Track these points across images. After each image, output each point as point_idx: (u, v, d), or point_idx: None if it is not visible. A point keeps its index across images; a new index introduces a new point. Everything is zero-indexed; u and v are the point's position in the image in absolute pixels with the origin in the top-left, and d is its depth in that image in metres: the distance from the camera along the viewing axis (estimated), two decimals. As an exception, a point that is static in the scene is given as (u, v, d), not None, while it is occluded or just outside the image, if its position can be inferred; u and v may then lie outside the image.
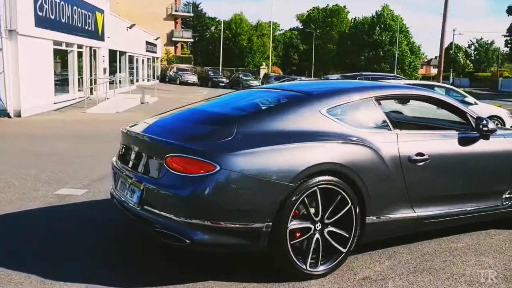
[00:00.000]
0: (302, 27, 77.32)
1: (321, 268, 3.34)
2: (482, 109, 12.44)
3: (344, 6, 74.48)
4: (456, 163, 3.98)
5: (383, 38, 61.00)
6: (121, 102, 19.17)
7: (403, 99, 4.11)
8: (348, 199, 3.36)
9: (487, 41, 79.19)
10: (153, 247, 3.84)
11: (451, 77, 55.15)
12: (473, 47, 79.60)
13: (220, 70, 50.82)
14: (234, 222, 3.05)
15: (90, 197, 5.33)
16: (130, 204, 3.44)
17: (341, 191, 3.32)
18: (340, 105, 3.63)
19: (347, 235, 3.42)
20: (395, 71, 54.47)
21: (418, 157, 3.71)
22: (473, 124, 4.14)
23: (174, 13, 55.15)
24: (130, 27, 29.75)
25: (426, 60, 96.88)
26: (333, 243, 3.37)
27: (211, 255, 3.58)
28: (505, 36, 55.36)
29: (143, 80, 36.07)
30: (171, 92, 30.24)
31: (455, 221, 4.10)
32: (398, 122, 4.56)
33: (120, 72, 28.31)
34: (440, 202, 3.93)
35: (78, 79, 19.49)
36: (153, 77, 40.86)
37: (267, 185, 3.09)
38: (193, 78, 45.74)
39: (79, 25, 19.39)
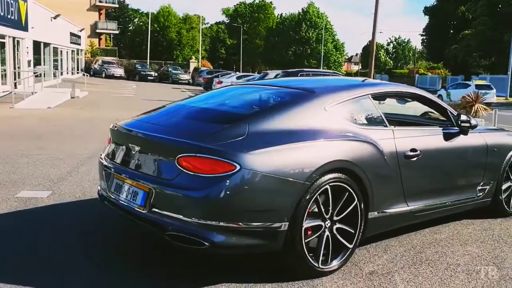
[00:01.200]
0: (228, 21, 77.28)
1: (332, 265, 3.35)
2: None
3: (271, 2, 75.41)
4: (442, 158, 4.16)
5: (310, 35, 62.54)
6: (50, 96, 18.11)
7: (395, 97, 4.23)
8: (354, 195, 3.40)
9: (404, 39, 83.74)
10: (155, 252, 3.66)
11: (372, 73, 57.49)
12: (391, 45, 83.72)
13: (148, 63, 49.55)
14: (253, 222, 2.98)
15: (57, 199, 4.97)
16: (132, 207, 3.25)
17: (349, 188, 3.36)
18: (341, 102, 3.65)
19: (353, 231, 3.46)
20: (321, 67, 56.08)
21: (412, 153, 3.83)
22: (453, 121, 4.35)
23: (98, 3, 52.95)
24: (55, 17, 28.19)
25: (347, 57, 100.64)
26: (341, 239, 3.39)
27: (215, 256, 3.48)
28: (421, 35, 58.78)
29: (67, 73, 34.31)
30: (99, 85, 29.04)
31: (439, 213, 4.29)
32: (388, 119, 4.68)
33: (44, 64, 26.73)
34: (428, 195, 4.09)
35: (1, 72, 18.16)
36: (77, 70, 39.00)
37: (284, 184, 3.04)
38: (119, 72, 44.21)
39: (1, 14, 18.06)
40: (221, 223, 2.92)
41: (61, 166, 6.58)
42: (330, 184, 3.24)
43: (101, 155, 3.91)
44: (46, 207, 4.71)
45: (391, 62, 79.30)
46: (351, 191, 3.37)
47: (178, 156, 3.02)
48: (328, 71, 18.03)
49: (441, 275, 3.45)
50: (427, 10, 56.25)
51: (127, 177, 3.36)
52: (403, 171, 3.76)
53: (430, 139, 4.10)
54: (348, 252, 3.45)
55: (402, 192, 3.81)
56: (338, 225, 3.38)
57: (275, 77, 17.81)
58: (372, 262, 3.64)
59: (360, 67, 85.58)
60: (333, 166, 3.26)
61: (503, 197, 4.88)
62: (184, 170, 2.99)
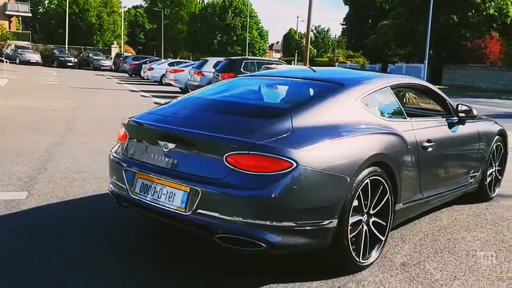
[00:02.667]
0: (147, 5, 74.91)
1: (370, 258, 3.34)
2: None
3: (193, -13, 74.09)
4: (449, 147, 4.30)
5: (236, 22, 62.37)
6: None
7: (407, 88, 4.27)
8: (387, 188, 3.41)
9: (324, 28, 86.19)
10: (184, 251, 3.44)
11: (295, 61, 58.75)
12: (312, 34, 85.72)
13: (67, 48, 46.80)
14: (308, 220, 2.88)
15: (40, 200, 4.52)
16: (169, 209, 3.02)
17: (383, 181, 3.36)
18: (368, 94, 3.63)
19: (384, 224, 3.48)
20: (246, 54, 56.21)
21: (428, 144, 3.92)
22: (452, 111, 4.52)
23: (7, -18, 48.94)
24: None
25: (268, 45, 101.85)
26: (376, 232, 3.40)
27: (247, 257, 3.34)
28: (342, 24, 60.79)
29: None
30: (15, 72, 26.99)
31: (442, 200, 4.44)
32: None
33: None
34: (437, 184, 4.22)
35: None
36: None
37: (335, 180, 2.98)
38: (35, 57, 41.54)
39: None
40: (278, 223, 2.79)
41: (24, 162, 6.01)
42: (370, 178, 3.23)
43: (112, 152, 3.61)
44: (33, 210, 4.27)
45: (314, 50, 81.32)
46: (385, 184, 3.38)
47: (228, 154, 2.84)
48: (273, 59, 18.06)
49: (466, 262, 3.57)
50: (347, 0, 58.20)
51: (158, 177, 3.11)
52: (421, 162, 3.83)
53: (439, 129, 4.21)
54: (382, 245, 3.47)
55: (419, 182, 3.88)
56: (373, 219, 3.37)
57: (216, 64, 17.52)
58: (398, 253, 3.68)
59: (282, 55, 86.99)
60: (373, 159, 3.24)
61: (487, 182, 5.17)
62: (236, 169, 2.81)
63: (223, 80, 4.34)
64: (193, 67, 18.90)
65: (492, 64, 38.96)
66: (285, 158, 2.78)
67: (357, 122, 3.38)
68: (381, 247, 3.46)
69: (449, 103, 4.56)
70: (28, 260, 3.24)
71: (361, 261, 3.27)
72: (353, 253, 3.19)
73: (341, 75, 4.22)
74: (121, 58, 39.68)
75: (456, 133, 4.42)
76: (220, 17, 63.85)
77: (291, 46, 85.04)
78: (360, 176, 3.13)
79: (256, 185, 2.77)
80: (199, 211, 2.89)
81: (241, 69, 15.56)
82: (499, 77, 35.89)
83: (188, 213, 2.93)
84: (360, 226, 3.26)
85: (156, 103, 15.84)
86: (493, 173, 5.29)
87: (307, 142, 2.94)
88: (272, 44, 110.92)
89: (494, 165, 5.28)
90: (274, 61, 17.34)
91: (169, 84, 21.63)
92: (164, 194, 3.08)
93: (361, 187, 3.15)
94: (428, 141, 3.92)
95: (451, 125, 4.39)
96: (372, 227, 3.36)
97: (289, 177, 2.77)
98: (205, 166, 2.95)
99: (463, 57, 40.36)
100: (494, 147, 5.15)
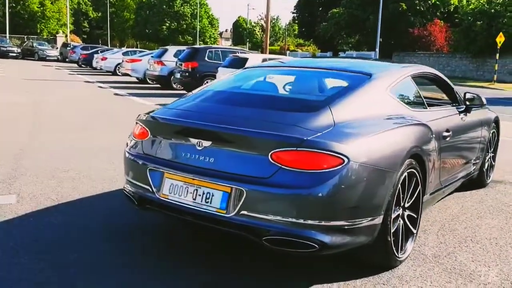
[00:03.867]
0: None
1: (406, 253, 3.28)
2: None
3: (139, -26, 71.87)
4: (460, 135, 4.30)
5: (185, 10, 61.17)
6: None
7: (422, 78, 4.20)
8: (419, 180, 3.35)
9: (274, 16, 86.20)
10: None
11: (267, 50, 58.25)
12: (262, 22, 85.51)
13: (8, 38, 44.30)
14: (360, 218, 2.76)
15: (35, 204, 4.16)
16: (206, 211, 2.81)
17: (416, 173, 3.29)
18: (395, 84, 3.54)
19: (416, 216, 3.42)
20: (197, 43, 55.40)
21: (446, 133, 3.89)
22: (459, 100, 4.52)
23: None
24: None
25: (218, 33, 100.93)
26: (410, 226, 3.34)
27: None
28: (293, 12, 61.00)
29: None
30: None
31: (452, 188, 4.45)
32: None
33: None
34: (451, 173, 4.21)
35: None
36: None
37: (382, 175, 2.87)
38: (-27, 47, 39.06)
39: None
40: (330, 223, 2.66)
41: (0, 162, 5.55)
42: (407, 171, 3.15)
43: (129, 150, 3.33)
44: (32, 216, 3.91)
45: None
46: (417, 176, 3.32)
47: (273, 151, 2.66)
48: (237, 48, 17.78)
49: (493, 251, 3.57)
50: (298, -12, 58.37)
51: (192, 177, 2.89)
52: (441, 152, 3.81)
53: (453, 118, 4.20)
54: (414, 238, 3.41)
55: (439, 173, 3.86)
56: (407, 212, 3.30)
57: (177, 53, 17.08)
58: (424, 244, 3.64)
59: (232, 43, 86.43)
60: (411, 152, 3.16)
61: (485, 168, 5.26)
62: (283, 167, 2.64)
63: (237, 71, 4.11)
64: (152, 57, 18.31)
65: (438, 51, 40.34)
66: (337, 154, 2.64)
67: (390, 114, 3.28)
68: (414, 240, 3.40)
69: (456, 91, 4.56)
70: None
71: (399, 255, 3.19)
72: (394, 248, 3.11)
73: (362, 64, 4.10)
74: (69, 48, 38.01)
75: (465, 121, 4.43)
76: (169, 4, 62.40)
77: (241, 34, 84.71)
78: (401, 170, 3.04)
79: (307, 184, 2.61)
80: (244, 212, 2.70)
81: (206, 58, 15.22)
82: (446, 64, 37.23)
83: (230, 215, 2.74)
84: (398, 221, 3.18)
85: (116, 94, 15.27)
86: (489, 159, 5.39)
87: (354, 136, 2.82)
88: (221, 32, 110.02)
89: (490, 151, 5.38)
90: (238, 49, 17.09)
91: (126, 75, 20.90)
92: (199, 195, 2.86)
93: (401, 181, 3.07)
94: (447, 130, 3.90)
95: (460, 114, 4.40)
96: (406, 221, 3.30)
97: (341, 174, 2.63)
98: (248, 165, 2.76)
99: (411, 44, 41.58)
100: (491, 134, 5.24)
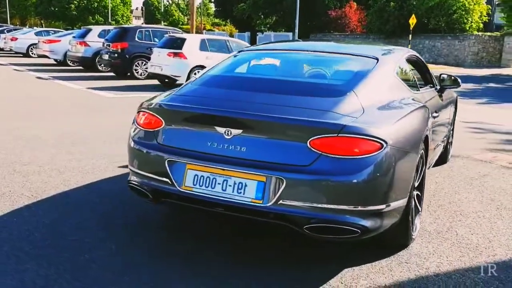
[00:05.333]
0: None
1: (416, 231, 3.40)
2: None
3: None
4: (440, 115, 4.49)
5: (96, -14, 57.87)
6: None
7: (409, 61, 4.27)
8: (424, 161, 3.47)
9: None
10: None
11: (194, 30, 56.47)
12: (177, 1, 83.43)
13: None
14: (394, 201, 2.79)
15: (11, 202, 3.77)
16: (239, 201, 2.70)
17: (424, 154, 3.40)
18: (399, 67, 3.60)
19: (421, 194, 3.55)
20: (109, 22, 52.84)
21: (435, 114, 4.05)
22: (435, 82, 4.72)
23: None
24: None
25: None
26: (418, 204, 3.45)
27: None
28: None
29: None
30: None
31: (431, 167, 4.67)
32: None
33: None
34: (435, 152, 4.41)
35: None
36: None
37: (410, 157, 2.92)
38: None
39: None
40: (370, 207, 2.67)
41: None
42: (421, 152, 3.24)
43: (137, 141, 3.10)
44: (15, 215, 3.54)
45: (184, 17, 79.33)
46: (424, 157, 3.43)
47: (313, 138, 2.61)
48: (169, 28, 17.09)
49: (485, 224, 3.80)
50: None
51: (222, 167, 2.75)
52: (432, 132, 3.96)
53: (436, 99, 4.37)
54: (420, 215, 3.54)
55: (432, 152, 4.02)
56: (416, 192, 3.41)
57: (102, 34, 16.18)
58: (424, 221, 3.79)
59: (143, 21, 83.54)
60: (425, 134, 3.26)
61: (448, 145, 5.58)
62: (323, 154, 2.60)
63: (240, 55, 3.92)
64: (74, 37, 17.18)
65: (352, 32, 41.88)
66: (376, 139, 2.64)
67: (402, 97, 3.35)
68: (420, 217, 3.53)
69: (432, 74, 4.75)
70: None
71: (413, 234, 3.30)
72: (411, 227, 3.21)
73: (362, 48, 4.12)
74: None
75: (442, 102, 4.64)
76: (77, -20, 58.68)
77: (153, 12, 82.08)
78: (420, 151, 3.14)
79: (349, 170, 2.60)
80: (282, 201, 2.63)
81: (136, 39, 14.54)
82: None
83: (267, 204, 2.66)
84: (412, 200, 3.28)
85: (39, 78, 14.21)
86: (451, 136, 5.72)
87: (386, 120, 2.85)
88: (132, 10, 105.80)
89: (452, 128, 5.70)
90: (170, 29, 16.50)
91: (43, 56, 19.45)
92: (230, 185, 2.74)
93: (419, 162, 3.16)
94: (436, 111, 4.06)
95: (438, 94, 4.60)
96: (415, 200, 3.40)
97: (381, 159, 2.64)
98: (285, 153, 2.67)
99: (327, 26, 42.77)
100: (453, 112, 5.55)
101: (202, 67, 12.13)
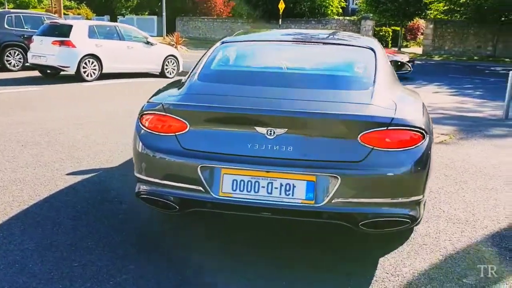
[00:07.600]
0: None
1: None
2: (162, 49, 13.07)
3: None
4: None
5: None
6: None
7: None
8: None
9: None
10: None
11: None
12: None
13: None
14: (427, 189, 2.87)
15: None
16: (288, 203, 2.59)
17: None
18: (387, 57, 3.69)
19: None
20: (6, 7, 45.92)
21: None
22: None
23: None
24: None
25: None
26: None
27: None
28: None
29: None
30: None
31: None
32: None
33: None
34: None
35: None
36: None
37: (432, 145, 3.02)
38: None
39: None
40: (417, 197, 2.72)
41: None
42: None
43: (150, 147, 2.75)
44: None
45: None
46: None
47: (363, 133, 2.57)
48: (42, 13, 15.20)
49: (468, 203, 4.06)
50: None
51: (267, 170, 2.57)
52: None
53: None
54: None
55: None
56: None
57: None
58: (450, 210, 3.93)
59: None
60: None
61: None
62: (375, 148, 2.58)
63: (230, 46, 3.60)
64: None
65: (218, 16, 42.09)
66: (420, 130, 2.69)
67: (403, 87, 3.47)
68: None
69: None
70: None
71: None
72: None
73: (351, 37, 4.12)
74: None
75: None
76: None
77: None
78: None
79: (400, 162, 2.63)
80: (336, 200, 2.56)
81: (5, 25, 12.85)
82: (229, 28, 39.17)
83: (320, 204, 2.57)
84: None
85: None
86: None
87: (417, 111, 2.93)
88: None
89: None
90: (44, 14, 14.79)
91: None
92: (276, 188, 2.59)
93: None
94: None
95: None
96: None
97: (425, 148, 2.71)
98: (335, 150, 2.60)
99: (192, 10, 42.34)
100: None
101: (94, 55, 11.23)
